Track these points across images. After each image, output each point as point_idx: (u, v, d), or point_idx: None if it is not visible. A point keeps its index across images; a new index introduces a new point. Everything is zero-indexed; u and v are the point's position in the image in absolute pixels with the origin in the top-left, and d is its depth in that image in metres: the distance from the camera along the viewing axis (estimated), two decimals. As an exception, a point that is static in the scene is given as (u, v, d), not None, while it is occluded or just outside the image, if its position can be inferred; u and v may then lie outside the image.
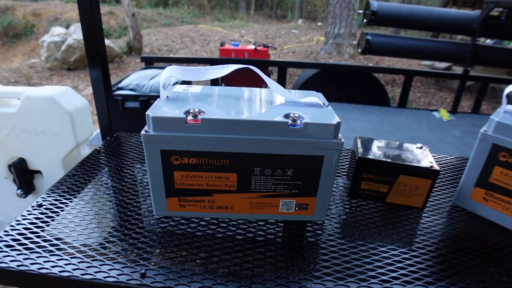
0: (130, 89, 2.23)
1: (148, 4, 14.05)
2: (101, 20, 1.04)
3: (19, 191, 1.10)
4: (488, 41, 5.02)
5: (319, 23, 12.35)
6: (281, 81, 3.00)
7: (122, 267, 0.63)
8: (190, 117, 0.64)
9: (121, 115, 2.02)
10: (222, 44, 3.32)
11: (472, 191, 0.84)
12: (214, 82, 3.05)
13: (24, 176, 1.09)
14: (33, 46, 8.39)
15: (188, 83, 2.19)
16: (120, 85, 2.28)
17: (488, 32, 2.76)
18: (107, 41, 6.70)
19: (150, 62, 2.99)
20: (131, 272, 0.61)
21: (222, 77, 3.18)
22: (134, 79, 2.28)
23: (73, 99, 1.02)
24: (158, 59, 3.26)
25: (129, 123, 2.06)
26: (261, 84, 0.78)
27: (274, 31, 10.48)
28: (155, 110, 0.66)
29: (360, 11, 2.94)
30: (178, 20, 11.96)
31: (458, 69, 5.47)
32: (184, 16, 12.55)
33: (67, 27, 7.19)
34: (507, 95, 0.81)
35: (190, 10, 13.83)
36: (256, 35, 9.69)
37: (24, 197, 1.12)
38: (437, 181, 1.00)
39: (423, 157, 0.85)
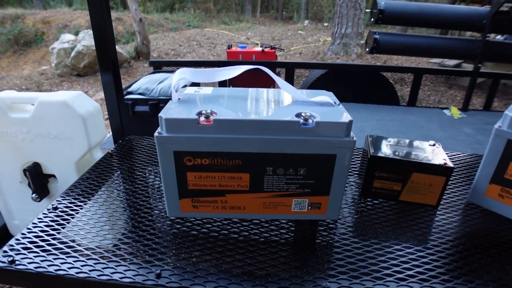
0: (140, 93, 2.25)
1: (155, 9, 14.18)
2: (112, 25, 1.06)
3: (34, 195, 1.12)
4: (499, 37, 4.95)
5: (326, 24, 12.31)
6: (289, 82, 2.99)
7: (138, 268, 0.63)
8: (202, 118, 0.64)
9: (131, 119, 2.04)
10: (230, 46, 3.33)
11: (487, 188, 0.83)
12: (222, 84, 3.06)
13: (39, 180, 1.11)
14: (43, 53, 8.52)
15: (197, 85, 2.20)
16: (129, 89, 2.30)
17: (498, 28, 2.71)
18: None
19: (158, 66, 3.01)
20: (147, 273, 0.62)
21: (229, 79, 3.19)
22: (143, 83, 2.30)
23: (85, 103, 1.03)
24: (166, 63, 3.28)
25: (139, 126, 2.07)
26: (269, 85, 0.79)
27: (280, 32, 10.48)
28: (167, 112, 0.66)
29: (367, 10, 2.93)
30: (184, 24, 12.05)
31: (468, 66, 5.41)
32: (190, 20, 12.63)
33: (76, 33, 7.30)
34: None
35: (197, 14, 13.91)
36: (263, 37, 9.70)
37: (39, 201, 1.14)
38: (450, 179, 0.99)
39: (436, 154, 0.84)
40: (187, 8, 14.74)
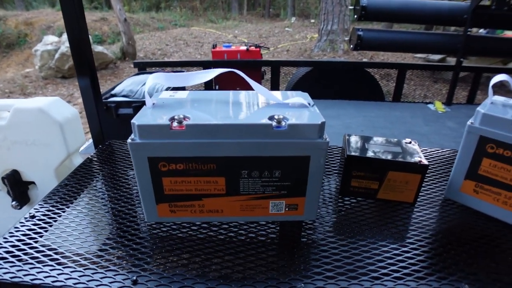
0: (123, 96, 2.23)
1: (141, 8, 14.04)
2: (86, 28, 1.05)
3: (14, 202, 1.11)
4: (481, 31, 5.02)
5: (312, 20, 12.35)
6: (275, 80, 3.00)
7: (115, 275, 0.63)
8: (175, 124, 0.64)
9: (114, 122, 2.02)
10: (214, 46, 3.31)
11: (463, 183, 0.85)
12: (208, 85, 3.05)
13: (18, 187, 1.10)
14: (26, 55, 8.38)
15: (182, 88, 2.19)
16: (113, 91, 2.27)
17: (479, 22, 2.75)
18: (100, 48, 6.71)
19: (143, 68, 2.98)
20: (123, 280, 0.62)
21: (216, 80, 3.18)
22: (127, 85, 2.28)
23: (62, 109, 1.02)
24: (151, 64, 3.26)
25: (123, 129, 2.06)
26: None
27: (267, 30, 10.48)
28: (140, 118, 0.66)
29: (351, 7, 2.94)
30: (171, 23, 11.96)
31: (452, 61, 5.48)
32: (177, 19, 12.54)
33: (60, 35, 7.18)
34: (493, 86, 0.81)
35: (183, 13, 13.82)
36: (250, 35, 9.69)
37: (19, 209, 1.12)
38: (428, 175, 1.00)
39: (412, 152, 0.85)
40: (173, 7, 14.63)
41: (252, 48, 3.22)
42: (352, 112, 2.65)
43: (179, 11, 14.02)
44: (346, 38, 6.89)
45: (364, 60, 6.49)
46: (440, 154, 1.15)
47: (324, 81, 3.08)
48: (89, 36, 1.03)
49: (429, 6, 2.80)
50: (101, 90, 1.15)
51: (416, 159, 0.81)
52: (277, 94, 0.77)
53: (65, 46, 6.08)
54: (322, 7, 7.25)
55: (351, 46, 2.91)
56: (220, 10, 15.40)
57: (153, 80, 0.73)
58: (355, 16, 2.80)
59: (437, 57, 5.88)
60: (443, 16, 2.80)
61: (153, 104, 0.73)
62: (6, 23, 9.54)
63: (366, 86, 3.11)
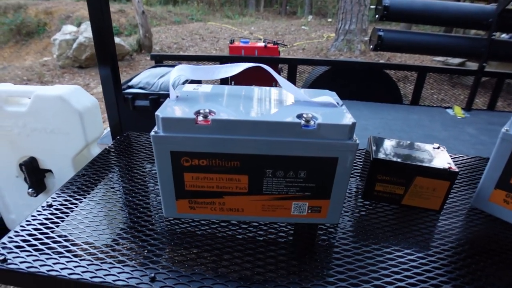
0: (140, 87, 2.23)
1: (158, 1, 14.09)
2: (110, 18, 1.03)
3: (30, 190, 1.10)
4: (504, 36, 4.90)
5: (330, 19, 12.22)
6: (291, 78, 2.96)
7: (132, 270, 0.61)
8: (200, 118, 0.62)
9: (131, 113, 2.02)
10: (232, 41, 3.29)
11: (492, 193, 0.81)
12: (224, 80, 3.03)
13: (35, 175, 1.09)
14: (45, 44, 8.48)
15: (198, 82, 2.17)
16: (130, 83, 2.27)
17: (504, 27, 2.67)
18: (117, 39, 6.74)
19: (160, 60, 2.98)
20: (141, 276, 0.60)
21: (231, 76, 3.16)
22: (144, 77, 2.28)
23: (82, 98, 1.01)
24: (168, 57, 3.25)
25: (139, 121, 2.05)
26: (271, 82, 0.77)
27: (284, 27, 10.41)
28: (164, 111, 0.64)
29: (372, 7, 2.89)
30: (187, 17, 11.97)
31: (472, 65, 5.35)
32: (193, 13, 12.55)
33: (78, 25, 7.25)
34: None
35: (200, 8, 13.83)
36: (266, 32, 9.63)
37: (35, 196, 1.12)
38: (454, 183, 0.97)
39: (440, 157, 0.82)
40: (190, 1, 14.64)
41: (270, 45, 3.19)
42: (369, 113, 2.60)
43: (196, 6, 14.03)
44: (365, 38, 6.81)
45: (381, 61, 6.40)
46: (465, 160, 1.11)
47: (341, 81, 3.03)
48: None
49: (452, 8, 2.73)
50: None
51: (446, 165, 0.78)
52: (305, 92, 0.75)
53: (83, 36, 6.13)
54: (340, 6, 7.16)
55: (371, 46, 2.86)
56: (237, 6, 15.36)
57: (178, 72, 0.71)
58: (377, 16, 2.75)
59: (456, 61, 5.76)
60: (467, 19, 2.72)
61: (177, 96, 0.72)
62: (27, 11, 9.67)
63: (384, 87, 3.05)
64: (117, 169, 0.98)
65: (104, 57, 1.05)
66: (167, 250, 0.67)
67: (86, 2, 0.98)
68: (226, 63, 0.83)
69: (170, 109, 0.65)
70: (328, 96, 0.72)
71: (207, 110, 0.63)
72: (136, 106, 2.03)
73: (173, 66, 2.66)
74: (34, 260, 0.63)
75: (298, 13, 14.92)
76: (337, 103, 0.71)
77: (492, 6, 2.61)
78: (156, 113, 0.63)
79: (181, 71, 0.72)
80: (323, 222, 0.74)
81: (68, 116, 0.98)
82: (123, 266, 0.62)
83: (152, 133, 0.63)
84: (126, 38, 8.19)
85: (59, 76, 5.91)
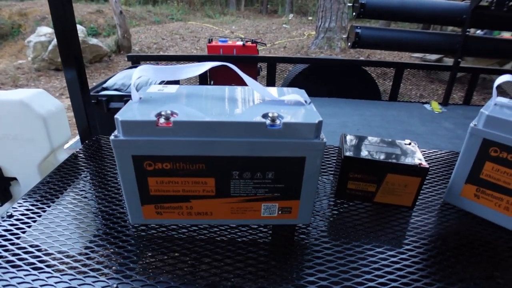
0: (115, 89, 2.18)
1: (137, 1, 13.87)
2: (74, 17, 1.00)
3: (-6, 199, 1.05)
4: (478, 32, 5.01)
5: (310, 18, 12.28)
6: (271, 77, 2.95)
7: (94, 282, 0.59)
8: (161, 120, 0.60)
9: (105, 116, 1.97)
10: (210, 40, 3.25)
11: (463, 188, 0.81)
12: (203, 80, 3.00)
13: (-1, 183, 1.04)
14: (20, 46, 8.23)
15: (177, 82, 2.13)
16: (105, 85, 2.22)
17: (478, 23, 2.73)
18: (95, 40, 6.60)
19: (137, 61, 2.92)
20: (103, 287, 0.57)
21: (210, 75, 3.13)
22: (119, 79, 2.23)
23: (46, 102, 0.97)
24: (145, 58, 3.19)
25: (114, 124, 2.01)
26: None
27: (265, 26, 10.40)
28: (124, 113, 0.61)
29: (349, 4, 2.90)
30: (167, 17, 11.83)
31: (449, 61, 5.46)
32: (174, 13, 12.41)
33: (54, 26, 7.05)
34: (498, 87, 0.77)
35: (180, 7, 13.68)
36: (247, 31, 9.61)
37: (1, 206, 1.07)
38: (427, 178, 0.97)
39: (411, 153, 0.82)
40: (170, 0, 14.48)
41: (249, 43, 3.17)
42: (348, 110, 2.62)
43: (176, 5, 13.88)
44: (344, 36, 6.86)
45: (361, 58, 6.46)
46: (438, 156, 1.11)
47: (321, 78, 3.04)
48: (84, 28, 0.98)
49: (428, 5, 2.77)
50: (94, 84, 1.10)
51: (416, 161, 0.78)
52: (273, 91, 0.73)
53: (58, 38, 5.97)
54: (320, 4, 7.20)
55: (349, 43, 2.87)
56: (218, 5, 15.27)
57: (139, 73, 0.68)
58: (354, 14, 2.76)
59: (434, 57, 5.87)
60: (442, 16, 2.77)
61: (140, 98, 0.69)
62: (0, 13, 9.37)
63: (363, 84, 3.08)
64: (84, 174, 0.94)
65: (68, 59, 1.01)
66: (132, 258, 0.64)
67: (48, 2, 0.94)
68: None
69: (130, 112, 0.62)
70: (296, 94, 0.71)
71: (169, 112, 0.61)
72: (111, 108, 1.99)
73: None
74: (-11, 275, 0.60)
75: (279, 11, 14.94)
76: (305, 101, 0.69)
77: (466, 3, 2.66)
78: (115, 116, 0.60)
79: (143, 71, 0.69)
80: (294, 223, 0.73)
81: (31, 122, 0.94)
82: (84, 277, 0.59)
83: (112, 137, 0.60)
84: (104, 39, 8.03)
85: (35, 79, 5.75)
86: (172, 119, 0.59)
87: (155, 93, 0.72)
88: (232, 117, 0.61)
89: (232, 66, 0.71)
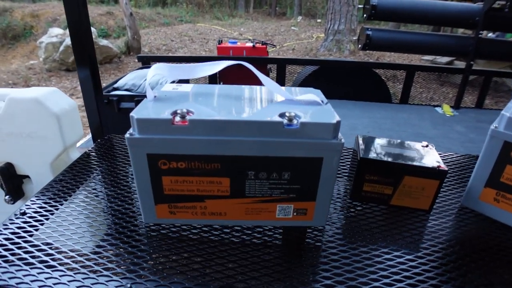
0: (126, 89, 2.19)
1: (147, 3, 13.99)
2: (88, 19, 1.00)
3: (7, 197, 1.06)
4: (490, 35, 4.95)
5: (319, 20, 12.26)
6: (280, 78, 2.94)
7: (107, 281, 0.58)
8: (177, 118, 0.59)
9: (116, 116, 1.97)
10: (220, 42, 3.26)
11: (482, 191, 0.79)
12: (213, 80, 3.00)
13: (12, 181, 1.05)
14: (31, 47, 8.35)
15: (186, 81, 2.14)
16: (116, 85, 2.23)
17: (491, 25, 2.69)
18: (105, 42, 6.66)
19: (147, 62, 2.94)
20: (117, 287, 0.57)
21: (220, 75, 3.13)
22: (130, 79, 2.24)
23: (60, 100, 0.97)
24: (155, 59, 3.21)
25: (124, 123, 2.01)
26: (260, 81, 0.74)
27: (273, 28, 10.40)
28: (140, 112, 0.61)
29: (360, 6, 2.88)
30: (177, 19, 11.90)
31: (460, 64, 5.40)
32: (183, 15, 12.48)
33: (65, 28, 7.14)
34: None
35: (189, 9, 13.76)
36: (256, 33, 9.62)
37: (13, 203, 1.07)
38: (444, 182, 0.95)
39: (429, 156, 0.80)
40: (179, 2, 14.57)
41: (259, 45, 3.17)
42: (358, 113, 2.59)
43: (185, 7, 13.96)
44: (354, 38, 6.83)
45: (370, 61, 6.42)
46: (455, 159, 1.09)
47: (330, 80, 3.02)
48: (94, 29, 0.98)
49: (440, 7, 2.74)
50: (104, 84, 1.10)
51: (435, 164, 0.76)
52: (289, 90, 0.72)
53: (69, 39, 6.04)
54: (329, 7, 7.18)
55: (359, 45, 2.85)
56: (226, 8, 15.32)
57: (154, 71, 0.68)
58: (364, 15, 2.74)
59: (444, 59, 5.81)
60: (454, 18, 2.73)
61: (155, 97, 0.68)
62: (13, 14, 9.52)
63: (373, 87, 3.05)
64: (97, 173, 0.94)
65: (82, 60, 1.01)
66: (146, 258, 0.64)
67: (63, 3, 0.95)
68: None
69: (146, 110, 0.62)
70: (313, 94, 0.69)
71: (184, 110, 0.60)
72: (122, 108, 1.99)
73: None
74: (3, 273, 0.59)
75: (287, 14, 14.96)
76: (322, 101, 0.68)
77: (479, 5, 2.62)
78: (131, 114, 0.60)
79: (158, 70, 0.68)
80: (309, 225, 0.72)
81: (45, 120, 0.94)
82: (98, 276, 0.59)
83: (127, 135, 0.60)
84: (114, 40, 8.10)
85: (46, 80, 5.81)
86: (187, 117, 0.59)
87: (169, 92, 0.72)
88: (248, 116, 0.60)
89: (248, 65, 0.70)
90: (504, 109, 0.75)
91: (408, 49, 3.01)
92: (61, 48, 6.00)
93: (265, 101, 0.68)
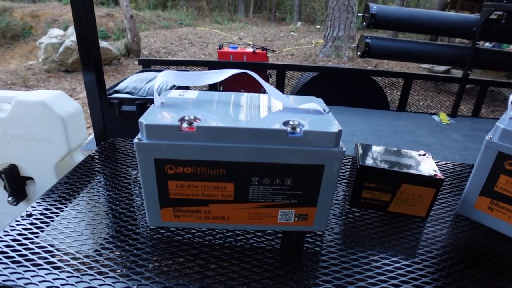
0: (127, 92, 2.20)
1: (147, 6, 14.04)
2: (95, 22, 1.02)
3: (10, 198, 1.07)
4: (487, 44, 5.01)
5: (318, 26, 12.35)
6: (280, 84, 2.97)
7: (114, 282, 0.60)
8: (185, 125, 0.61)
9: (117, 118, 1.98)
10: (221, 46, 3.28)
11: (477, 200, 0.82)
12: (212, 86, 3.02)
13: (15, 183, 1.06)
14: (31, 48, 8.35)
15: (186, 88, 2.15)
16: (116, 88, 2.24)
17: (488, 36, 2.73)
18: (105, 44, 6.68)
19: (147, 65, 2.95)
20: (123, 288, 0.58)
21: (220, 82, 3.15)
22: (131, 82, 2.25)
23: (65, 103, 0.99)
24: (156, 62, 3.22)
25: (125, 126, 2.02)
26: (260, 88, 0.76)
27: (273, 33, 10.47)
28: (148, 117, 0.63)
29: (359, 14, 2.92)
30: (176, 22, 11.95)
31: (456, 72, 5.47)
32: (183, 18, 12.54)
33: (65, 29, 7.16)
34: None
35: (189, 13, 13.82)
36: (255, 38, 9.67)
37: (16, 205, 1.09)
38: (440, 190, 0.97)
39: (426, 164, 0.82)
40: (179, 6, 14.63)
41: (259, 50, 3.19)
42: (356, 119, 2.62)
43: (185, 11, 14.02)
44: (353, 45, 6.88)
45: (369, 68, 6.48)
46: (451, 167, 1.12)
47: (329, 87, 3.05)
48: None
49: (438, 17, 2.78)
50: (105, 86, 1.12)
51: (431, 172, 0.78)
52: (291, 99, 0.74)
53: (69, 40, 6.05)
54: (329, 13, 7.24)
55: (358, 53, 2.88)
56: (226, 12, 15.40)
57: (163, 78, 0.70)
58: (364, 24, 2.78)
59: (441, 68, 5.87)
60: (452, 28, 2.77)
61: (162, 103, 0.70)
62: (12, 14, 9.52)
63: (372, 94, 3.08)
64: (100, 176, 0.96)
65: (88, 62, 1.03)
66: (151, 260, 0.65)
67: (71, 6, 0.97)
68: (215, 68, 0.82)
69: (154, 116, 0.64)
70: (315, 103, 0.72)
71: (192, 117, 0.62)
72: (123, 111, 2.00)
73: (161, 71, 2.63)
74: (11, 273, 0.61)
75: (287, 19, 15.05)
76: (324, 110, 0.70)
77: (476, 16, 2.67)
78: (139, 119, 0.62)
79: (167, 76, 0.70)
80: (309, 230, 0.74)
81: (50, 122, 0.96)
82: (104, 277, 0.61)
83: (136, 140, 0.62)
84: (114, 43, 8.12)
85: (45, 80, 5.81)
86: (195, 124, 0.61)
87: (176, 98, 0.74)
88: (253, 124, 0.62)
89: (253, 74, 0.72)
90: (499, 120, 0.78)
91: (407, 57, 3.05)
92: (61, 49, 6.01)
93: (269, 109, 0.70)
